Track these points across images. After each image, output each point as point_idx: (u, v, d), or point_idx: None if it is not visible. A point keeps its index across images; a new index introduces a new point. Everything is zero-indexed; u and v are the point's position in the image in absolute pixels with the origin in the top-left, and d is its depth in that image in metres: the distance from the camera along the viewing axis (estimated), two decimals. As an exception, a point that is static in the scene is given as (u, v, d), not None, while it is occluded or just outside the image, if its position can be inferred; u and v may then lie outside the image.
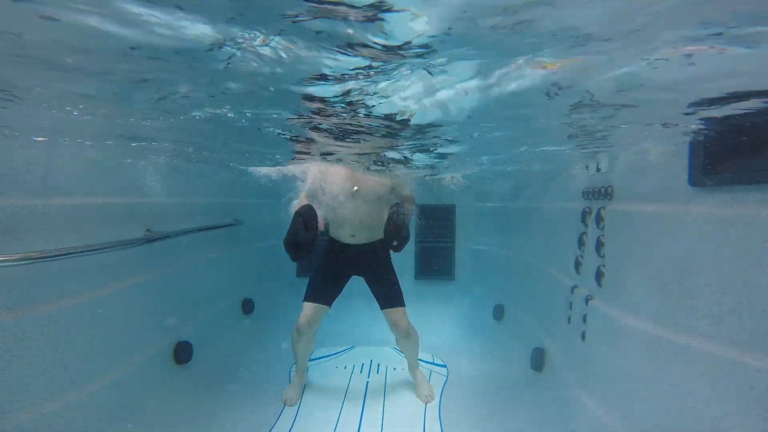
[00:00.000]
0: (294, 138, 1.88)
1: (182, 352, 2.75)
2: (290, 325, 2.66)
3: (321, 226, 2.19)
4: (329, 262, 2.63)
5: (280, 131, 1.76)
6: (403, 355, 2.90)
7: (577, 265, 2.43)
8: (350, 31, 0.81)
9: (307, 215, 2.08)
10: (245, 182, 4.10)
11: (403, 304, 2.60)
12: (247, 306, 3.97)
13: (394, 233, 2.31)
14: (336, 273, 2.63)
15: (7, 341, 1.57)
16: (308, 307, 2.54)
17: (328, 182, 2.42)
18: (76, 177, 2.02)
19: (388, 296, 2.60)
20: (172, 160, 2.71)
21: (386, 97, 1.22)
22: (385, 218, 2.45)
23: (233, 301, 3.83)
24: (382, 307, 2.61)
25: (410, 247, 4.62)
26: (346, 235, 2.56)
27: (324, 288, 2.58)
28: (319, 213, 2.28)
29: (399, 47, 0.88)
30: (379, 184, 2.46)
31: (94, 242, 1.93)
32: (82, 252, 1.79)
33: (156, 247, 2.53)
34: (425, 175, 2.87)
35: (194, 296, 3.11)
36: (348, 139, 1.79)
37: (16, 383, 1.60)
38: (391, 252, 2.68)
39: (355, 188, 2.39)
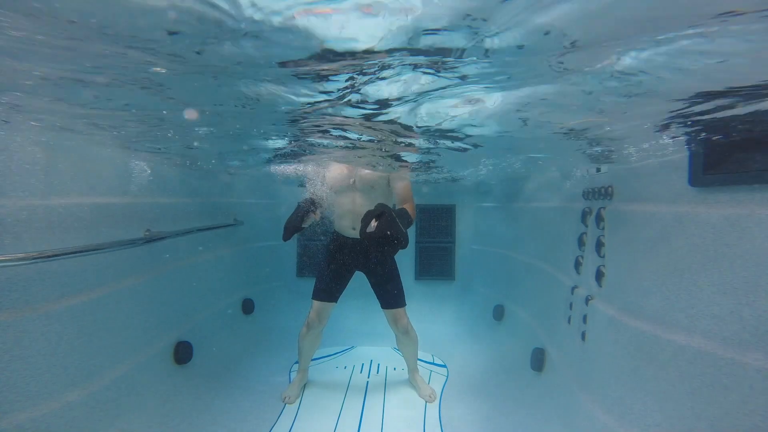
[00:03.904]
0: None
1: (182, 352, 2.75)
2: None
3: (316, 216, 2.42)
4: (333, 257, 2.69)
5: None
6: (402, 355, 2.90)
7: (577, 265, 2.43)
8: None
9: (302, 205, 2.40)
10: (245, 181, 4.11)
11: (404, 304, 2.67)
12: (247, 306, 3.97)
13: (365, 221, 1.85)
14: (340, 268, 2.68)
15: (7, 341, 1.57)
16: (317, 304, 2.64)
17: (329, 177, 2.58)
18: (77, 177, 2.02)
19: (390, 296, 2.65)
20: (173, 159, 2.71)
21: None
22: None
23: (233, 301, 3.83)
24: (383, 306, 2.67)
25: (410, 247, 4.63)
26: (347, 227, 2.63)
27: (330, 284, 2.66)
28: (323, 204, 2.56)
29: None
30: (375, 175, 2.56)
31: (94, 242, 1.93)
32: (82, 252, 1.79)
33: (156, 247, 2.53)
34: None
35: (194, 296, 3.12)
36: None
37: (16, 383, 1.60)
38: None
39: (352, 180, 2.53)
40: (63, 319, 1.83)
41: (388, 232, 1.76)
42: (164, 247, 2.65)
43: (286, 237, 2.36)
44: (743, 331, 1.26)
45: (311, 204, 2.44)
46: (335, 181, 2.56)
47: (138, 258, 2.40)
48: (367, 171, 2.55)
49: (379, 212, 1.84)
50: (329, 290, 2.65)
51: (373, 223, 1.82)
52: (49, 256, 1.62)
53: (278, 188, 4.56)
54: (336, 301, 2.68)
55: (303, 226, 2.39)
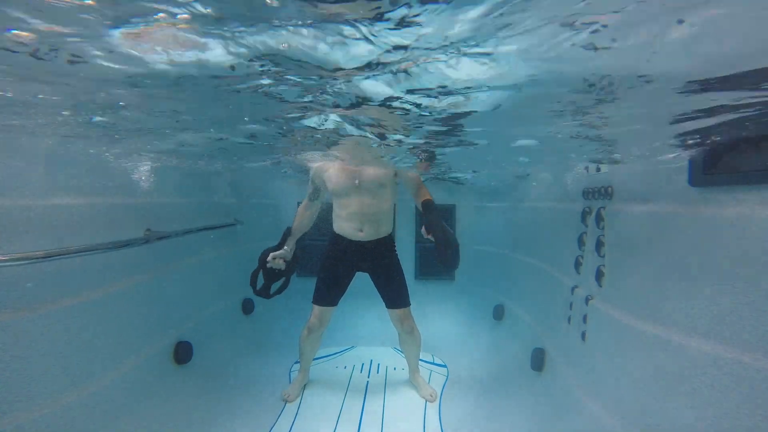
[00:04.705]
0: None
1: (182, 352, 2.75)
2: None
3: (277, 259, 2.48)
4: (335, 260, 2.65)
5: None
6: (403, 355, 2.90)
7: (577, 265, 2.43)
8: None
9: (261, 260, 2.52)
10: (246, 181, 4.11)
11: (409, 304, 2.67)
12: (247, 306, 3.97)
13: (439, 240, 2.06)
14: (341, 271, 2.64)
15: (7, 341, 1.57)
16: (318, 309, 2.63)
17: (328, 179, 2.47)
18: (77, 177, 2.02)
19: (395, 296, 2.64)
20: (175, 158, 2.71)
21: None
22: (390, 211, 2.60)
23: (233, 301, 3.83)
24: (388, 306, 2.66)
25: (410, 247, 4.63)
26: (353, 230, 2.56)
27: (331, 289, 2.64)
28: (290, 244, 2.57)
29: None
30: (381, 172, 2.46)
31: (94, 242, 1.93)
32: (82, 252, 1.78)
33: (156, 247, 2.52)
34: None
35: (194, 296, 3.11)
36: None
37: (16, 383, 1.60)
38: (397, 249, 2.75)
39: (356, 181, 2.43)
40: (63, 319, 1.83)
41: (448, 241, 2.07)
42: (164, 246, 2.64)
43: (265, 290, 2.58)
44: (743, 331, 1.26)
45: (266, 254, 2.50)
46: (337, 185, 2.45)
47: (138, 258, 2.39)
48: (371, 169, 2.44)
49: (433, 218, 2.15)
50: (330, 295, 2.63)
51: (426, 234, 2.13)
52: (49, 256, 1.62)
53: (278, 188, 4.55)
54: (336, 305, 2.67)
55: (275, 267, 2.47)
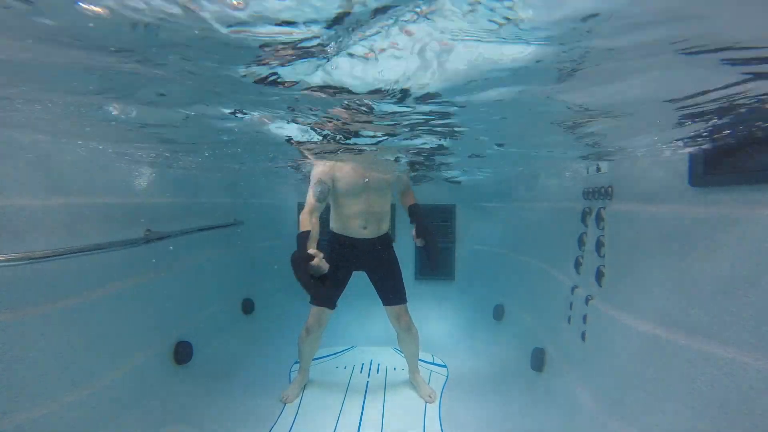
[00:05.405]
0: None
1: (182, 352, 2.75)
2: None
3: (316, 259, 1.93)
4: (336, 260, 2.62)
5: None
6: (403, 355, 2.90)
7: (577, 265, 2.43)
8: None
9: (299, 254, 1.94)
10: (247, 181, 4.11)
11: (405, 301, 2.68)
12: (247, 306, 3.98)
13: (430, 244, 2.31)
14: (341, 271, 2.64)
15: (7, 341, 1.57)
16: (316, 310, 2.63)
17: (338, 178, 2.47)
18: (76, 177, 2.02)
19: (392, 293, 2.66)
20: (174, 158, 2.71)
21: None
22: (390, 208, 2.67)
23: (233, 301, 3.83)
24: (385, 303, 2.68)
25: (410, 247, 4.62)
26: (357, 227, 2.59)
27: (329, 290, 2.60)
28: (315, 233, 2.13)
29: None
30: (386, 174, 2.56)
31: (94, 242, 1.93)
32: (82, 252, 1.78)
33: (156, 247, 2.52)
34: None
35: (194, 296, 3.11)
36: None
37: (16, 384, 1.60)
38: (396, 248, 2.78)
39: (366, 179, 2.48)
40: (63, 320, 1.83)
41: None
42: (164, 246, 2.64)
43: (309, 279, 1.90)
44: (743, 331, 1.26)
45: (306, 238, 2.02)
46: (349, 183, 2.45)
47: (138, 258, 2.39)
48: (377, 171, 2.51)
49: (425, 223, 2.36)
50: (329, 296, 2.61)
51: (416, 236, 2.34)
52: (49, 256, 1.61)
53: (278, 188, 4.55)
54: (335, 306, 2.66)
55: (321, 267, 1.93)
